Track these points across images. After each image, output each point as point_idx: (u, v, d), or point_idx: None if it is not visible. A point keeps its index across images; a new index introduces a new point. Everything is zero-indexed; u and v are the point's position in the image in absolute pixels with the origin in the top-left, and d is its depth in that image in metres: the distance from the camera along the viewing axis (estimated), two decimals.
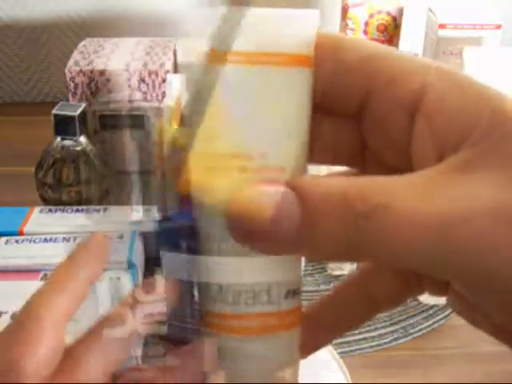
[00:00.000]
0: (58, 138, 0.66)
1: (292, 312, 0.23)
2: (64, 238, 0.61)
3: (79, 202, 0.68)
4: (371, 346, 0.62)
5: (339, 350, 0.59)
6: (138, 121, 0.77)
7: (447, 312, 0.65)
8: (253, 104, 0.22)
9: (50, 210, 0.66)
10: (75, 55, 0.78)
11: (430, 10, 0.78)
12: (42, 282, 0.55)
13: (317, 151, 0.24)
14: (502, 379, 0.59)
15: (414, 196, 0.18)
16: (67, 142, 0.67)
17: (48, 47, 1.00)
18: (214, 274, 0.22)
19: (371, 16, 0.77)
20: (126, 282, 0.57)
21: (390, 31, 0.78)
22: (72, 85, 0.74)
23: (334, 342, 0.49)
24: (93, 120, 0.76)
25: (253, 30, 0.22)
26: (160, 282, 0.24)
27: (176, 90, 0.68)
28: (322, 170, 0.63)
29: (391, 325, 0.64)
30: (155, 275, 0.25)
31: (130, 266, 0.58)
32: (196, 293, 0.23)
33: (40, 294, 0.26)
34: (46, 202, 0.68)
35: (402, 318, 0.65)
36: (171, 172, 0.22)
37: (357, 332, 0.63)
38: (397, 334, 0.64)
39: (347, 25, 0.80)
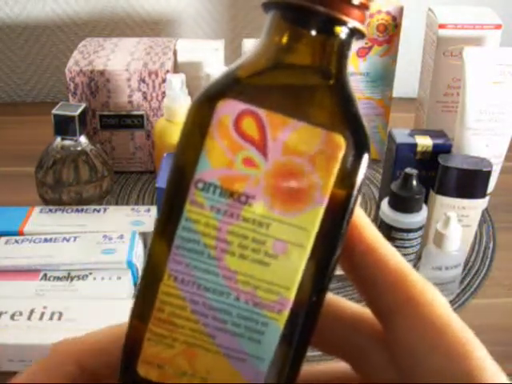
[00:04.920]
0: (58, 138, 0.67)
1: None
2: (64, 238, 0.61)
3: (79, 201, 0.68)
4: None
5: None
6: (137, 121, 0.77)
7: None
8: None
9: (50, 210, 0.66)
10: (75, 55, 0.78)
11: (430, 9, 0.78)
12: (41, 282, 0.56)
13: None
14: None
15: None
16: (67, 142, 0.67)
17: (48, 47, 1.00)
18: None
19: (371, 16, 0.77)
20: (126, 282, 0.57)
21: (390, 31, 0.78)
22: (72, 85, 0.74)
23: None
24: (93, 120, 0.76)
25: None
26: None
27: (176, 89, 0.68)
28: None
29: None
30: None
31: (130, 265, 0.58)
32: None
33: None
34: (45, 202, 0.68)
35: None
36: None
37: None
38: None
39: None
